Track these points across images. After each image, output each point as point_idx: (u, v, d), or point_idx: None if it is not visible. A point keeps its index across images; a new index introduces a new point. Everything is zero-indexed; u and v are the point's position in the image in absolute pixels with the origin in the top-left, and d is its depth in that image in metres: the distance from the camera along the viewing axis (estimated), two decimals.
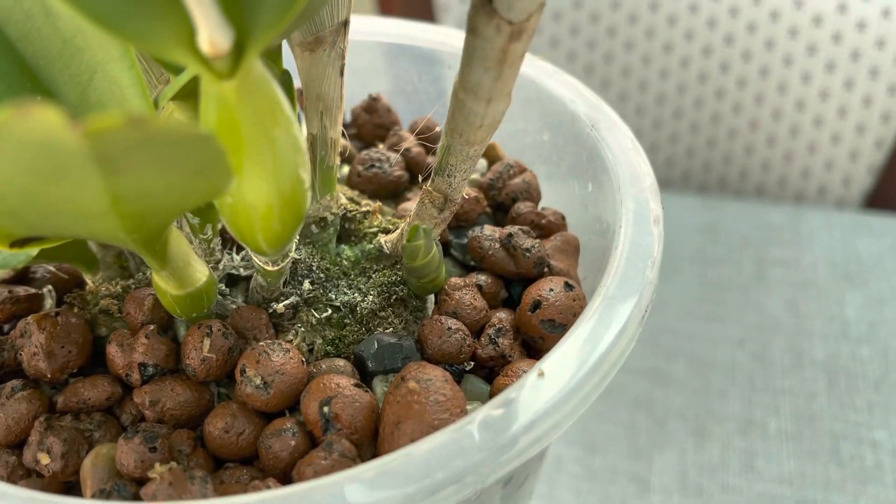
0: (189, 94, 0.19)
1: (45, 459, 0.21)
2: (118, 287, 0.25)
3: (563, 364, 0.19)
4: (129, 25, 0.14)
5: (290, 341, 0.24)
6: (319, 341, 0.24)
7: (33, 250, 0.19)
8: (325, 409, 0.21)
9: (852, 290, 0.53)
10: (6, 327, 0.25)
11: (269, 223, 0.18)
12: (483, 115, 0.20)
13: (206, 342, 0.22)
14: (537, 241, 0.26)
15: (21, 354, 0.23)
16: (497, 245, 0.26)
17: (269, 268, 0.22)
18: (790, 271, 0.56)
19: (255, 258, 0.21)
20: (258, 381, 0.21)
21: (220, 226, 0.25)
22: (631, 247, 0.23)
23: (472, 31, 0.18)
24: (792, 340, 0.50)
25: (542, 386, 0.19)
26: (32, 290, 0.26)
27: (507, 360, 0.24)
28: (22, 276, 0.27)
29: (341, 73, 0.25)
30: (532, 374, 0.19)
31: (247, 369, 0.22)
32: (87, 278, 0.26)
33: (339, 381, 0.21)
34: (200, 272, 0.22)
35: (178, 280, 0.22)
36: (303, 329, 0.25)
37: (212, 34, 0.14)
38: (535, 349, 0.25)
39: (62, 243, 0.20)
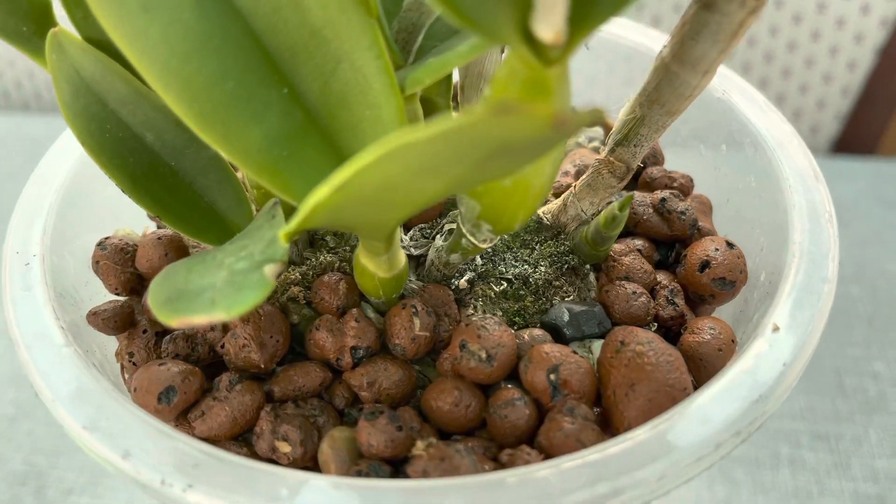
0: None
1: (284, 447, 0.21)
2: (296, 274, 0.25)
3: (793, 317, 0.21)
4: (480, 16, 0.14)
5: (471, 315, 0.25)
6: (499, 313, 0.25)
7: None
8: (552, 376, 0.22)
9: None
10: None
11: (536, 202, 0.19)
12: (695, 86, 0.21)
13: (417, 321, 0.23)
14: (688, 203, 0.27)
15: (223, 347, 0.23)
16: (650, 210, 0.27)
17: (483, 246, 0.22)
18: None
19: (471, 238, 0.22)
20: (483, 355, 0.22)
21: None
22: (807, 204, 0.24)
23: (707, 6, 0.19)
24: None
25: (779, 339, 0.20)
26: None
27: (684, 320, 0.25)
28: None
29: (502, 51, 0.25)
30: (766, 328, 0.21)
31: (468, 344, 0.22)
32: None
33: (560, 349, 0.22)
34: (402, 255, 0.23)
35: (389, 263, 0.22)
36: (481, 303, 0.25)
37: (557, 24, 0.14)
38: (702, 307, 0.26)
39: None
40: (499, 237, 0.23)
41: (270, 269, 0.17)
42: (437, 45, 0.21)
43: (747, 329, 0.24)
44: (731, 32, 0.19)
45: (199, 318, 0.16)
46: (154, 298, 0.17)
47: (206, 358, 0.24)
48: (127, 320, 0.25)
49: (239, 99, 0.18)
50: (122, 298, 0.25)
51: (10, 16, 0.21)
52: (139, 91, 0.21)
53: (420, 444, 0.20)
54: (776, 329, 0.20)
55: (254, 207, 0.25)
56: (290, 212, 0.18)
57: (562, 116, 0.11)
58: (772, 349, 0.20)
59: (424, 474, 0.19)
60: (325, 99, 0.19)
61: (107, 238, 0.26)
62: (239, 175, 0.25)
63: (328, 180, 0.14)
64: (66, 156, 0.27)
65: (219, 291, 0.17)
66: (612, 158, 0.24)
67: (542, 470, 0.17)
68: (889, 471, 0.43)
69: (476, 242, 0.22)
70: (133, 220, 0.29)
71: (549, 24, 0.14)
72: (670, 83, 0.21)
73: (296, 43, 0.19)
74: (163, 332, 0.25)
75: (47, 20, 0.22)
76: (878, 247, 0.55)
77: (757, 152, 0.27)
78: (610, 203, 0.26)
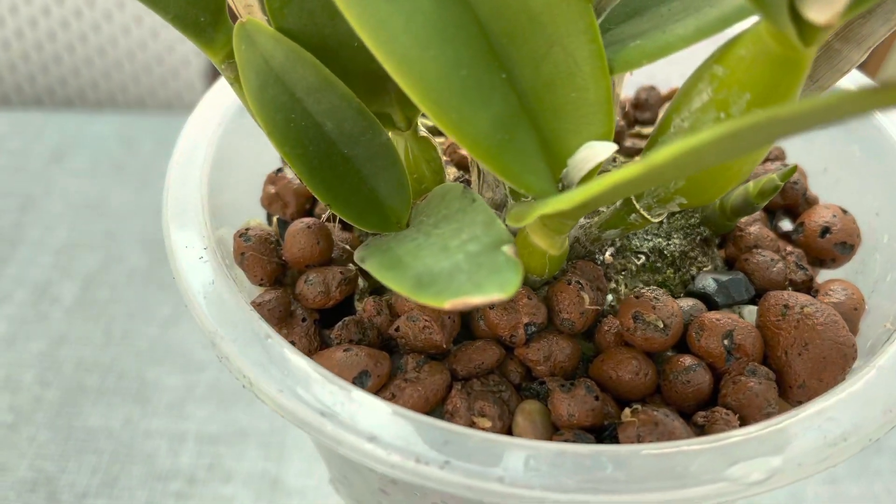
0: None
1: (484, 423, 0.22)
2: None
3: None
4: None
5: (616, 289, 0.26)
6: (641, 286, 0.26)
7: None
8: (726, 341, 0.23)
9: None
10: (360, 309, 0.25)
11: (744, 175, 0.20)
12: (855, 61, 0.22)
13: (585, 296, 0.24)
14: (797, 175, 0.29)
15: (398, 330, 0.24)
16: None
17: (655, 220, 0.23)
18: None
19: (644, 213, 0.23)
20: (660, 325, 0.23)
21: None
22: None
23: None
24: None
25: None
26: (353, 271, 0.26)
27: (812, 283, 0.27)
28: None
29: None
30: None
31: (644, 315, 0.23)
32: None
33: (727, 316, 0.23)
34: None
35: (563, 241, 0.23)
36: (622, 276, 0.26)
37: (838, 7, 0.15)
38: (820, 272, 0.28)
39: None
40: (665, 213, 0.24)
41: (510, 249, 0.18)
42: (611, 29, 0.22)
43: (879, 288, 0.26)
44: None
45: (476, 300, 0.16)
46: (401, 284, 0.18)
47: (375, 342, 0.24)
48: (286, 312, 0.25)
49: (470, 86, 0.18)
50: (278, 289, 0.25)
51: (192, 6, 0.21)
52: (328, 79, 0.21)
53: (627, 412, 0.21)
54: None
55: None
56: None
57: None
58: None
59: (639, 439, 0.20)
60: (534, 82, 0.20)
61: (247, 229, 0.26)
62: None
63: (652, 156, 0.14)
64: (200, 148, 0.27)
65: (473, 274, 0.17)
66: None
67: (784, 421, 0.19)
68: None
69: (649, 217, 0.23)
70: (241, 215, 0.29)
71: (825, 6, 0.15)
72: (829, 60, 0.23)
73: (514, 28, 0.19)
74: (319, 319, 0.25)
75: (222, 11, 0.22)
76: None
77: (861, 122, 0.29)
78: None
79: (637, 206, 0.23)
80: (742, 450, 0.18)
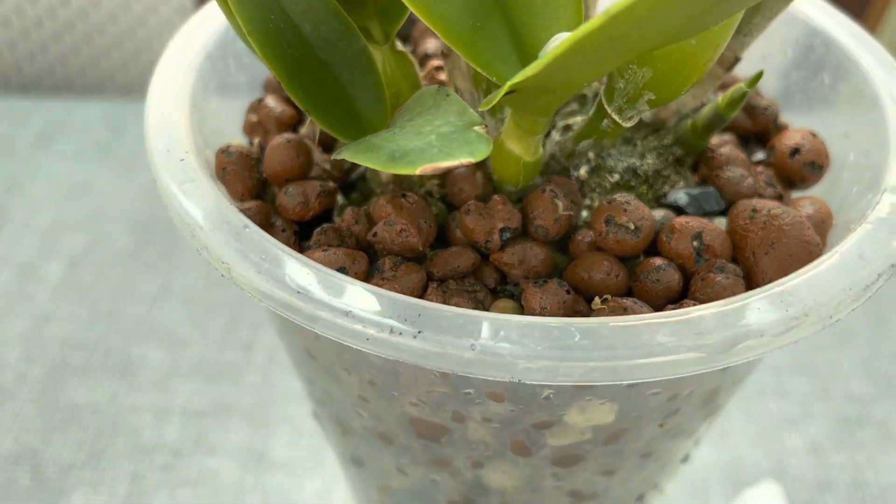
0: None
1: None
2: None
3: None
4: None
5: (591, 206, 0.27)
6: None
7: None
8: (696, 242, 0.24)
9: None
10: (338, 220, 0.26)
11: (707, 66, 0.20)
12: None
13: (559, 203, 0.24)
14: (769, 100, 0.30)
15: (375, 236, 0.24)
16: None
17: (626, 125, 0.24)
18: None
19: (615, 116, 0.23)
20: (631, 227, 0.24)
21: None
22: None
23: None
24: None
25: None
26: (332, 185, 0.26)
27: (782, 200, 0.28)
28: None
29: None
30: (891, 182, 0.23)
31: (615, 218, 0.24)
32: None
33: (696, 219, 0.24)
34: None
35: (536, 146, 0.24)
36: (597, 193, 0.27)
37: None
38: (793, 192, 0.29)
39: None
40: (637, 119, 0.24)
41: (481, 129, 0.18)
42: None
43: (845, 202, 0.26)
44: None
45: (446, 164, 0.17)
46: (375, 160, 0.18)
47: (352, 248, 0.25)
48: (266, 222, 0.25)
49: None
50: (253, 202, 0.26)
51: None
52: None
53: (597, 300, 0.22)
54: None
55: None
56: None
57: None
58: None
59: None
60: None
61: (228, 146, 0.27)
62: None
63: (587, 24, 0.15)
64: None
65: (444, 147, 0.18)
66: None
67: (748, 298, 0.19)
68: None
69: (620, 120, 0.24)
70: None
71: None
72: None
73: None
74: (298, 231, 0.26)
75: None
76: None
77: (829, 51, 0.29)
78: (707, 101, 0.28)
79: (608, 109, 0.23)
80: (707, 322, 0.19)
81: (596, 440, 0.24)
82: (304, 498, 0.46)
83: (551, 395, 0.22)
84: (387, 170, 0.18)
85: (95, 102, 0.75)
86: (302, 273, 0.20)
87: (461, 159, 0.17)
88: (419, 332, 0.18)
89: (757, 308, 0.19)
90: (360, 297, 0.19)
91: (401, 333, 0.18)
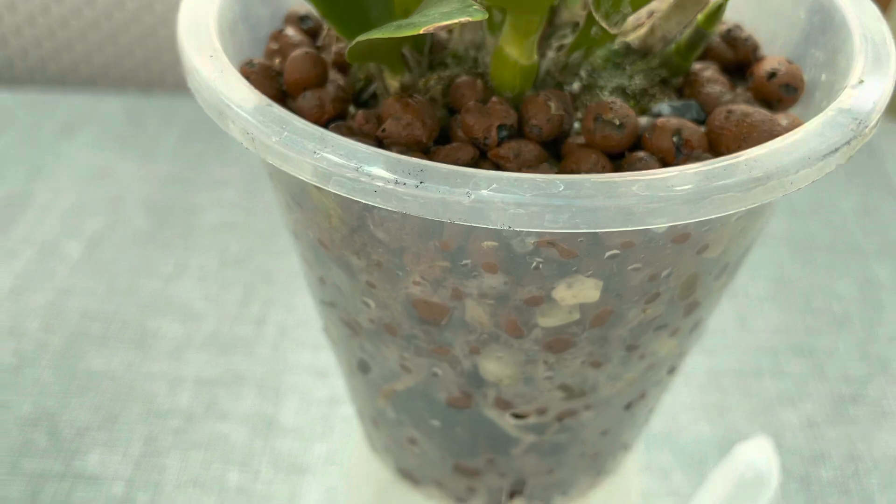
0: None
1: None
2: (433, 80, 0.29)
3: (871, 76, 0.25)
4: None
5: (580, 119, 0.29)
6: None
7: None
8: (675, 138, 0.26)
9: None
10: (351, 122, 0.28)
11: None
12: None
13: (552, 105, 0.27)
14: (749, 33, 0.32)
15: (384, 131, 0.27)
16: (717, 38, 0.32)
17: (613, 32, 0.26)
18: None
19: (603, 22, 0.26)
20: (616, 122, 0.26)
21: None
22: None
23: None
24: None
25: (864, 87, 0.25)
26: (346, 92, 0.29)
27: None
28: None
29: None
30: (853, 82, 0.25)
31: (603, 115, 0.26)
32: (392, 80, 0.29)
33: (677, 119, 0.26)
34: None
35: (531, 49, 0.26)
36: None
37: None
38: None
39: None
40: (623, 25, 0.27)
41: (479, 7, 0.21)
42: None
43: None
44: None
45: (447, 22, 0.19)
46: (384, 32, 0.21)
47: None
48: None
49: None
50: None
51: None
52: None
53: None
54: (861, 82, 0.25)
55: None
56: None
57: None
58: (860, 94, 0.24)
59: None
60: None
61: (251, 60, 0.29)
62: None
63: None
64: None
65: (444, 16, 0.20)
66: None
67: (717, 163, 0.21)
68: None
69: (607, 26, 0.26)
70: None
71: None
72: None
73: None
74: None
75: None
76: None
77: None
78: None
79: (596, 15, 0.26)
80: (678, 179, 0.21)
81: (583, 322, 0.26)
82: (312, 460, 0.48)
83: (540, 265, 0.24)
84: (393, 35, 0.20)
85: (118, 97, 0.78)
86: (319, 140, 0.22)
87: (460, 18, 0.19)
88: (421, 183, 0.21)
89: (724, 169, 0.21)
90: (369, 156, 0.21)
91: (405, 184, 0.21)
